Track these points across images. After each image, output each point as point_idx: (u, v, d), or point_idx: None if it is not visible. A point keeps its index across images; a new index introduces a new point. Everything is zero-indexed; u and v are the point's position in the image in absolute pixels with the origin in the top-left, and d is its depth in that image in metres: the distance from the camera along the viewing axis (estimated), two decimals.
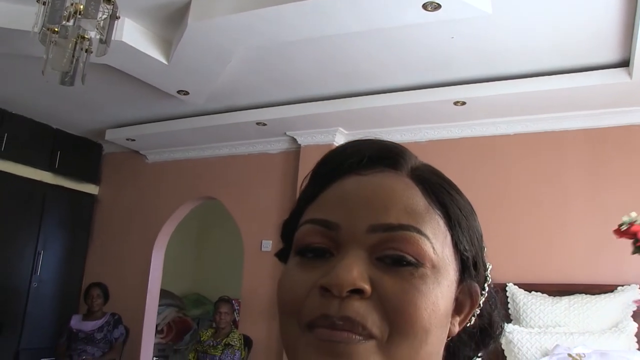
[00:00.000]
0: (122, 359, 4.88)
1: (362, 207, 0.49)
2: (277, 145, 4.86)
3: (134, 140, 5.37)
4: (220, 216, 6.46)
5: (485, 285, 0.56)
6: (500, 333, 0.61)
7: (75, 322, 4.79)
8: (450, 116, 4.13)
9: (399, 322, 0.46)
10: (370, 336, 0.45)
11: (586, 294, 3.61)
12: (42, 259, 5.42)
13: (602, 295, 3.55)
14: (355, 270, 0.46)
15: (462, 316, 0.54)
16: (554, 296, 3.67)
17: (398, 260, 0.47)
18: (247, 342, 4.51)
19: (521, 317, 3.66)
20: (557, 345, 3.31)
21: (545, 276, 3.84)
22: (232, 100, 4.51)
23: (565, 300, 3.61)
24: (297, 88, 4.18)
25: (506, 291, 3.80)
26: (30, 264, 5.35)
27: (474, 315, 0.55)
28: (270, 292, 4.63)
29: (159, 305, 5.82)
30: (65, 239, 5.69)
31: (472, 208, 0.56)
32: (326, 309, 0.46)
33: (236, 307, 5.05)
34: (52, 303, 5.49)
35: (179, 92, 4.24)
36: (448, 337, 0.54)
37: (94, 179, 5.95)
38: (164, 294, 6.04)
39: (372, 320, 0.45)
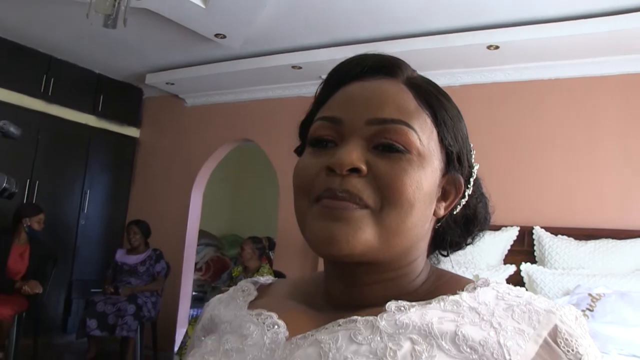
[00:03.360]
0: (164, 292, 5.20)
1: (361, 106, 0.61)
2: (312, 89, 4.83)
3: (173, 84, 5.52)
4: (257, 159, 6.65)
5: (471, 179, 0.67)
6: (485, 222, 0.72)
7: (120, 255, 5.12)
8: (484, 60, 4.13)
9: (388, 195, 0.58)
10: (365, 206, 0.58)
11: (613, 239, 3.66)
12: (88, 198, 5.72)
13: (628, 240, 3.60)
14: (354, 154, 0.58)
15: (448, 202, 0.66)
16: (580, 240, 3.72)
17: (390, 148, 0.59)
18: (279, 277, 4.75)
19: (546, 259, 3.73)
20: (578, 286, 3.39)
21: (572, 221, 3.88)
22: (268, 44, 4.60)
23: (591, 244, 3.65)
24: (332, 32, 4.23)
25: (532, 234, 3.87)
26: (78, 202, 5.65)
27: (459, 204, 0.67)
28: None
29: (198, 245, 6.10)
30: (109, 179, 5.97)
31: (459, 112, 0.67)
32: (330, 184, 0.58)
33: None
34: (99, 239, 5.82)
35: (216, 35, 4.34)
36: (436, 221, 0.67)
37: (135, 122, 6.17)
38: (202, 234, 6.32)
39: (368, 194, 0.58)
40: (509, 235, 3.88)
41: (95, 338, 4.68)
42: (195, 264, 6.06)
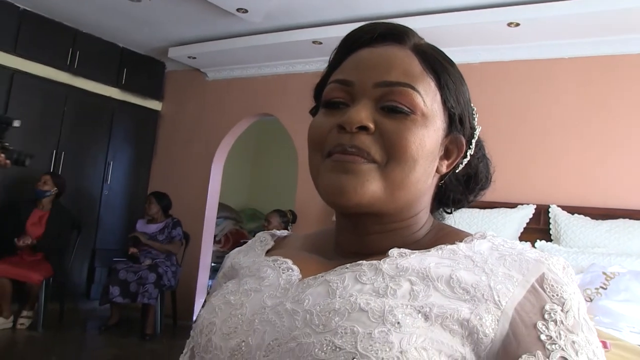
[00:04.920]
0: (184, 262, 5.33)
1: (370, 69, 0.66)
2: None
3: (194, 58, 5.58)
4: (276, 133, 6.70)
5: (472, 140, 0.72)
6: (486, 181, 0.78)
7: (140, 225, 5.27)
8: (504, 38, 4.11)
9: (394, 151, 0.64)
10: (372, 161, 0.64)
11: (630, 219, 3.67)
12: (111, 169, 5.84)
13: None
14: (363, 113, 0.64)
15: (450, 161, 0.71)
16: (597, 219, 3.73)
17: (395, 109, 0.65)
18: None
19: (561, 238, 3.75)
20: (592, 264, 3.41)
21: (589, 200, 3.88)
22: (289, 19, 4.62)
23: (607, 223, 3.65)
24: (352, 8, 4.24)
25: (548, 212, 3.89)
26: (102, 173, 5.78)
27: (461, 163, 0.72)
28: (322, 206, 4.89)
29: (217, 218, 6.21)
30: (132, 151, 6.08)
31: (461, 77, 0.72)
32: (341, 140, 0.64)
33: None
34: (121, 209, 5.96)
35: (238, 10, 4.38)
36: (440, 179, 0.72)
37: (157, 96, 6.25)
38: (222, 207, 6.42)
39: (375, 150, 0.64)
40: (525, 213, 3.90)
41: (117, 305, 4.84)
42: (215, 236, 6.18)
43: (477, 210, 3.88)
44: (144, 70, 6.06)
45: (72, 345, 4.53)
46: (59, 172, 5.29)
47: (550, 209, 3.88)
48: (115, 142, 5.89)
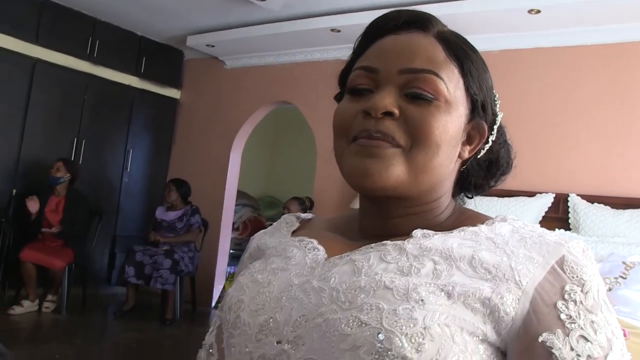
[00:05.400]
0: (203, 249, 5.39)
1: (395, 56, 0.68)
2: (350, 52, 4.92)
3: (213, 46, 5.61)
4: (294, 121, 6.73)
5: (494, 126, 0.74)
6: (507, 167, 0.79)
7: (160, 212, 5.34)
8: (525, 25, 4.08)
9: (418, 136, 0.65)
10: (397, 145, 0.65)
11: None
12: (131, 157, 5.91)
13: None
14: (388, 99, 0.66)
15: (472, 146, 0.72)
16: (617, 209, 3.70)
17: (419, 95, 0.66)
18: None
19: (580, 227, 3.72)
20: (612, 254, 3.39)
21: (609, 189, 3.84)
22: (308, 7, 4.62)
23: (628, 213, 3.61)
24: None
25: (567, 201, 3.87)
26: (121, 161, 5.85)
27: (483, 149, 0.74)
28: (340, 194, 4.91)
29: (236, 205, 6.25)
30: (151, 139, 6.15)
31: (484, 64, 0.73)
32: (366, 125, 0.66)
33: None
34: (141, 196, 6.04)
35: None
36: (462, 164, 0.74)
37: (176, 84, 6.29)
38: (240, 194, 6.47)
39: (399, 135, 0.65)
40: (544, 202, 3.89)
41: (132, 286, 4.92)
42: (233, 223, 6.24)
43: (496, 198, 3.88)
44: (163, 58, 6.10)
45: (94, 329, 4.63)
46: (80, 160, 5.37)
47: (569, 198, 3.86)
48: (135, 130, 5.96)
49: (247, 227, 7.19)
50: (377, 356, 0.55)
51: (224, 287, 4.78)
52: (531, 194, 3.91)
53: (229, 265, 6.00)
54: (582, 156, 3.98)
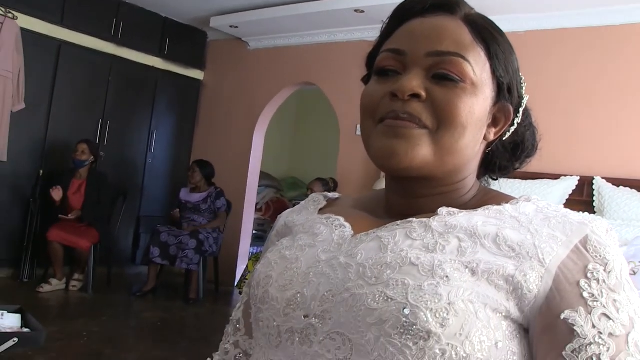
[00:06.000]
0: (226, 229, 5.45)
1: (422, 39, 0.68)
2: (374, 33, 4.81)
3: (236, 27, 5.61)
4: (317, 103, 6.73)
5: (520, 109, 0.74)
6: (532, 149, 0.80)
7: (184, 194, 5.39)
8: (550, 6, 4.01)
9: (444, 118, 0.66)
10: (424, 127, 0.66)
11: None
12: (155, 138, 5.97)
13: None
14: (415, 82, 0.66)
15: (498, 128, 0.73)
16: None
17: (446, 77, 0.67)
18: None
19: (605, 210, 3.69)
20: (637, 237, 3.36)
21: (636, 172, 3.80)
22: None
23: None
24: None
25: (592, 184, 3.84)
26: (146, 142, 5.92)
27: (508, 131, 0.74)
28: (363, 175, 4.92)
29: (259, 186, 6.30)
30: (175, 120, 6.20)
31: (511, 47, 0.73)
32: (393, 107, 0.67)
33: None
34: (164, 177, 6.11)
35: None
36: (487, 146, 0.74)
37: (199, 65, 6.32)
38: (263, 175, 6.51)
39: (426, 116, 0.66)
40: (568, 185, 3.86)
41: (154, 268, 5.02)
42: (256, 204, 6.29)
43: (519, 180, 3.86)
44: (186, 39, 6.13)
45: (120, 307, 4.73)
46: (105, 142, 5.45)
47: (594, 181, 3.82)
48: (159, 111, 6.01)
49: (270, 208, 7.24)
50: (402, 330, 0.56)
51: (246, 268, 4.83)
52: (555, 177, 3.88)
53: (251, 246, 6.07)
54: (608, 139, 3.93)
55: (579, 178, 3.86)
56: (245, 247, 5.89)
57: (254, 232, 6.25)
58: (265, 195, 7.31)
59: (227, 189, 5.43)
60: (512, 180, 3.81)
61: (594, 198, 3.78)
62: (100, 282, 4.98)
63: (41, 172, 5.05)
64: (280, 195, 7.53)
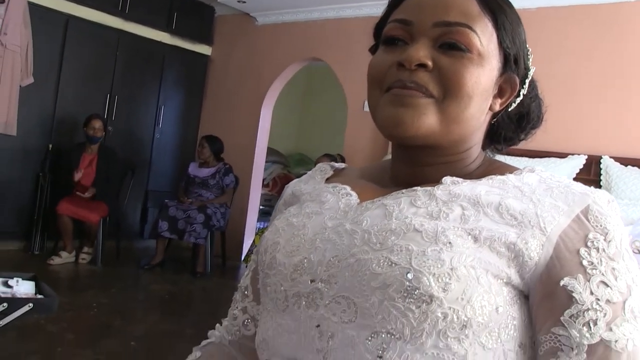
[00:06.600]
0: (233, 204, 5.49)
1: (430, 9, 0.69)
2: (382, 9, 4.81)
3: (244, 2, 5.58)
4: (325, 78, 6.70)
5: (526, 80, 0.75)
6: (537, 121, 0.80)
7: (192, 168, 5.42)
8: None
9: (450, 88, 0.67)
10: (430, 96, 0.67)
11: None
12: (162, 113, 5.98)
13: None
14: (422, 51, 0.67)
15: (503, 99, 0.74)
16: None
17: (453, 47, 0.67)
18: None
19: (612, 189, 3.67)
20: None
21: None
22: None
23: None
24: None
25: (600, 163, 3.83)
26: (153, 117, 5.93)
27: (514, 102, 0.75)
28: (370, 151, 4.92)
29: (266, 162, 6.32)
30: (182, 95, 6.20)
31: (518, 18, 0.73)
32: (400, 76, 0.68)
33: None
34: (172, 152, 6.13)
35: None
36: (493, 116, 0.75)
37: (207, 40, 6.30)
38: (270, 151, 6.53)
39: (432, 85, 0.67)
40: (576, 163, 3.85)
41: (162, 242, 5.07)
42: (263, 179, 6.31)
43: (526, 159, 3.85)
44: (194, 14, 6.10)
45: (128, 280, 4.79)
46: (112, 116, 5.47)
47: (602, 160, 3.81)
48: (166, 86, 6.01)
49: (277, 184, 7.27)
50: (405, 294, 0.58)
51: (253, 242, 4.88)
52: (562, 155, 3.87)
53: (258, 220, 6.10)
54: (616, 118, 3.91)
55: (586, 157, 3.85)
56: (252, 222, 5.93)
57: (261, 207, 6.28)
58: (272, 171, 7.34)
59: (235, 164, 5.45)
60: (519, 158, 3.81)
61: (602, 177, 3.78)
62: (109, 255, 5.04)
63: (50, 146, 5.09)
64: (287, 171, 7.55)
